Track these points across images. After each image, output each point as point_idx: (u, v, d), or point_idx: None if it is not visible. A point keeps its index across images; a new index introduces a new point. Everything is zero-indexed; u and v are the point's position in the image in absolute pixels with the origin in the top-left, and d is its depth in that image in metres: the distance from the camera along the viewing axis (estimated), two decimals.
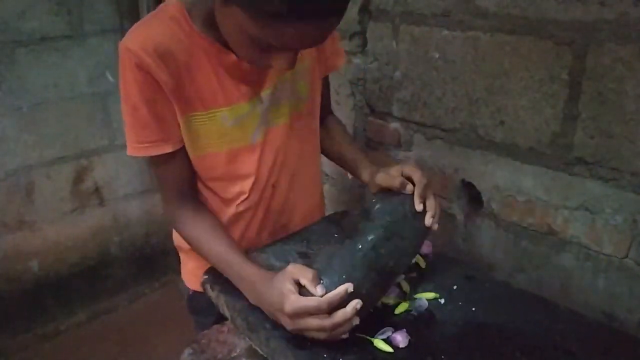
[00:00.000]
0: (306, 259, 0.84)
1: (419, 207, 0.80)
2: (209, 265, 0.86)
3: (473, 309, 0.77)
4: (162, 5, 0.77)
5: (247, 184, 0.88)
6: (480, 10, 1.04)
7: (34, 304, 1.95)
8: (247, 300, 0.77)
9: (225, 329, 0.85)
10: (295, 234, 0.94)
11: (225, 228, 0.87)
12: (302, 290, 0.68)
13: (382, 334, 0.71)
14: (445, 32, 1.12)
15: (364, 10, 1.29)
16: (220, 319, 0.85)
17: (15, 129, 1.77)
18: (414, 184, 0.82)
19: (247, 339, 0.77)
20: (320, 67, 0.93)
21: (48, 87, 1.81)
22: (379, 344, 0.69)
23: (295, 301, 0.66)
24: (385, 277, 0.75)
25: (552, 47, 0.95)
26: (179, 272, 1.06)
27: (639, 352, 0.70)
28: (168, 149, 0.79)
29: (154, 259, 2.25)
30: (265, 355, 0.73)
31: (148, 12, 1.91)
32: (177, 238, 0.99)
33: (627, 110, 0.88)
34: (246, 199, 0.89)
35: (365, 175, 0.92)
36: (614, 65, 0.88)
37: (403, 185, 0.81)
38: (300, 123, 0.91)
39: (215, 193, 0.89)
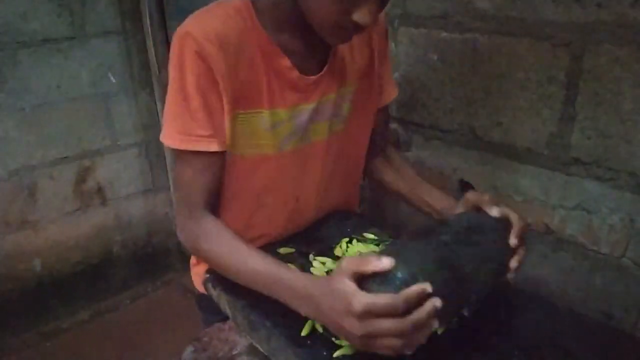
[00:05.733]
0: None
1: (513, 241, 0.71)
2: None
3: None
4: None
5: (267, 193, 0.86)
6: (478, 12, 1.05)
7: (36, 303, 1.96)
8: (248, 298, 0.77)
9: (226, 327, 0.85)
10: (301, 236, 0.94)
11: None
12: (363, 286, 0.57)
13: None
14: (444, 33, 1.13)
15: None
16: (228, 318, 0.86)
17: (18, 129, 1.78)
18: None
19: (248, 337, 0.78)
20: (374, 96, 0.94)
21: (50, 88, 1.82)
22: None
23: (363, 297, 0.54)
24: (462, 281, 0.62)
25: (549, 49, 0.96)
26: (181, 271, 1.07)
27: (637, 350, 0.70)
28: (214, 147, 0.73)
29: (156, 258, 2.25)
30: (266, 353, 0.73)
31: (150, 13, 1.92)
32: None
33: (624, 111, 0.89)
34: (263, 206, 0.87)
35: (447, 205, 0.86)
36: (611, 66, 0.89)
37: (492, 201, 0.74)
38: (338, 144, 0.90)
39: (230, 199, 0.85)
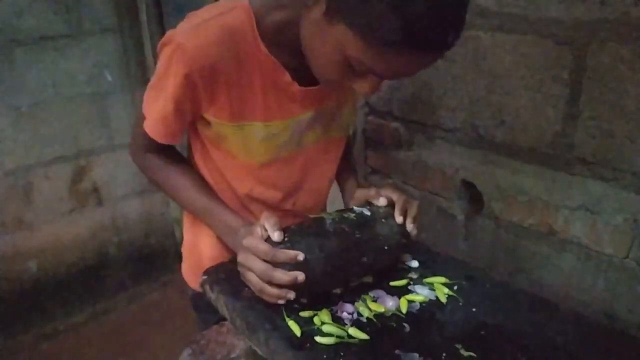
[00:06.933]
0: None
1: (399, 219, 0.80)
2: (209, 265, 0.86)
3: (473, 309, 0.77)
4: (231, 3, 0.72)
5: (265, 194, 0.88)
6: (481, 10, 1.04)
7: (33, 305, 1.95)
8: (246, 300, 0.77)
9: (224, 329, 0.84)
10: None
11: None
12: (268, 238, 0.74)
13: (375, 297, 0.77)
14: None
15: None
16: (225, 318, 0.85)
17: (14, 128, 1.77)
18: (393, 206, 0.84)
19: (247, 339, 0.77)
20: None
21: (46, 86, 1.80)
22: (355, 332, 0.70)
23: (252, 238, 0.71)
24: (344, 241, 0.75)
25: (552, 47, 0.95)
26: (178, 272, 1.06)
27: None
28: (174, 141, 0.82)
29: (152, 259, 2.24)
30: (264, 356, 0.72)
31: (147, 10, 1.91)
32: (187, 230, 0.99)
33: (627, 110, 0.88)
34: (263, 207, 0.89)
35: (347, 186, 0.97)
36: (615, 65, 0.88)
37: (377, 194, 0.83)
38: (336, 147, 0.92)
39: (230, 185, 0.89)
